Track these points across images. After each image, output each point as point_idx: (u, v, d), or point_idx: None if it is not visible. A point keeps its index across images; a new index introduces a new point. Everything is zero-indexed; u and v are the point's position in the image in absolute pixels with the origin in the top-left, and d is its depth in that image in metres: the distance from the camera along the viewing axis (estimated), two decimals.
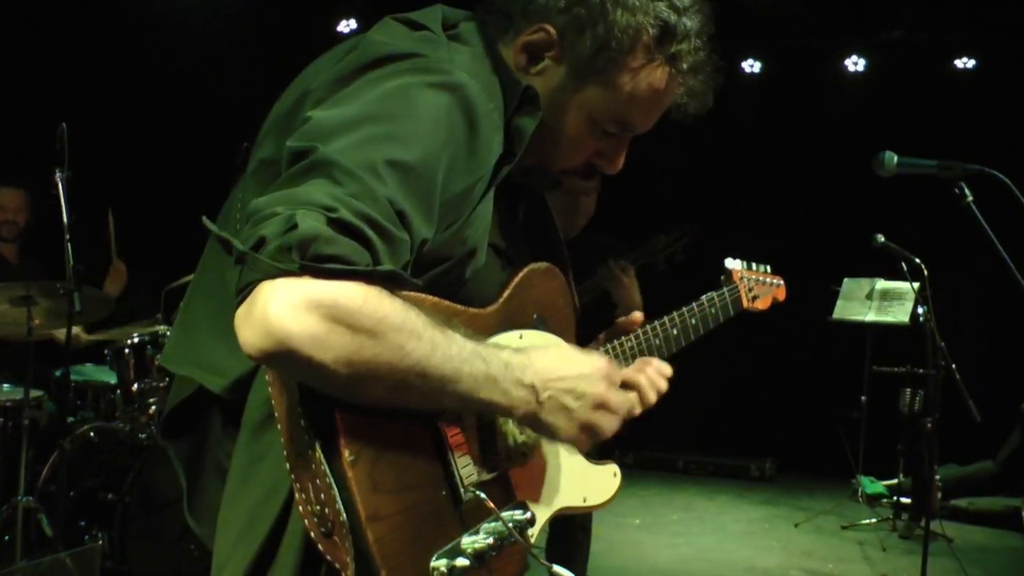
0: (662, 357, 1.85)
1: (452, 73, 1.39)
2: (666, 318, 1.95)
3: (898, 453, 7.19)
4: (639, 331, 1.88)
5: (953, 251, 6.80)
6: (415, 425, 1.37)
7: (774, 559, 6.27)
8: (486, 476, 1.48)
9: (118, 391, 5.14)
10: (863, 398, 7.37)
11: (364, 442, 1.28)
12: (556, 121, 1.56)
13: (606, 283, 3.96)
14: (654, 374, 1.70)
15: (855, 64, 8.86)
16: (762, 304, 2.29)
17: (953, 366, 5.33)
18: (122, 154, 7.54)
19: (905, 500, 7.15)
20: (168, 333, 5.11)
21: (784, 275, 2.41)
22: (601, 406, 1.48)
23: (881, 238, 5.99)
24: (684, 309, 2.01)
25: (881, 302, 7.29)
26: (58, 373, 5.14)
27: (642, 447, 8.87)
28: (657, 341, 1.90)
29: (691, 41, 1.55)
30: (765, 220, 8.68)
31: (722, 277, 2.20)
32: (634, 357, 1.83)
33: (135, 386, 5.03)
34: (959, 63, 8.61)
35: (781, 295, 2.37)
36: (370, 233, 1.22)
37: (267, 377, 1.34)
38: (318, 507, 1.28)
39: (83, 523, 4.56)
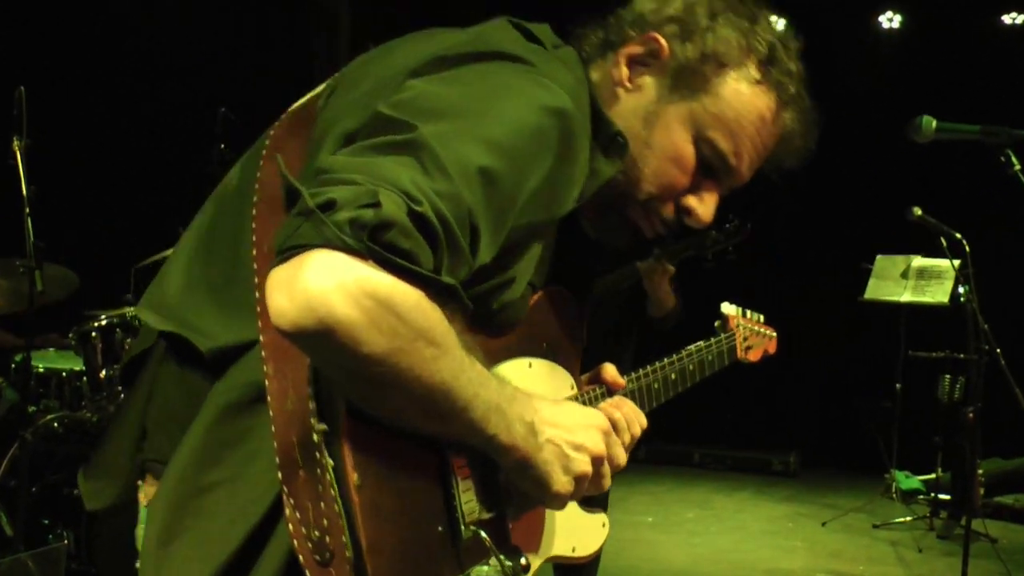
0: (657, 403, 1.92)
1: (561, 97, 1.41)
2: (665, 361, 1.99)
3: (936, 446, 7.19)
4: (639, 372, 1.92)
5: (997, 225, 6.79)
6: (423, 450, 1.37)
7: (798, 561, 6.28)
8: (485, 515, 1.48)
9: (84, 378, 5.13)
10: (898, 386, 7.37)
11: (372, 463, 1.28)
12: (651, 139, 1.61)
13: (643, 274, 4.16)
14: (631, 413, 1.72)
15: (890, 21, 8.82)
16: (754, 356, 2.37)
17: (997, 350, 5.32)
18: (87, 119, 7.53)
19: (944, 497, 7.16)
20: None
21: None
22: (599, 461, 1.52)
23: (918, 211, 5.98)
24: (683, 353, 2.06)
25: (917, 281, 7.29)
26: (18, 358, 5.14)
27: (655, 440, 8.89)
28: (656, 385, 1.94)
29: (795, 78, 1.65)
30: (790, 193, 8.66)
31: (717, 323, 2.27)
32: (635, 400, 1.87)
33: (103, 372, 5.01)
34: (1007, 19, 8.57)
35: (772, 348, 2.45)
36: (443, 239, 1.22)
37: (266, 368, 1.33)
38: (317, 533, 1.27)
39: (46, 521, 4.57)
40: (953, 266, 6.17)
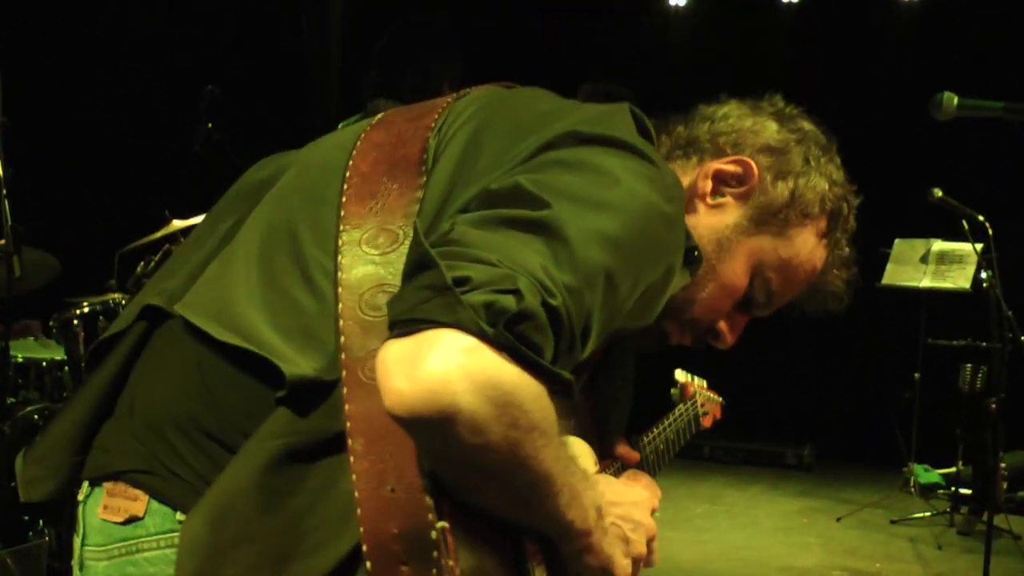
0: (652, 475, 1.95)
1: (678, 207, 1.45)
2: (654, 431, 2.08)
3: (957, 438, 7.21)
4: (638, 443, 1.99)
5: (1022, 206, 6.77)
6: (502, 536, 1.36)
7: (813, 558, 6.29)
8: None
9: (66, 368, 5.12)
10: (917, 375, 7.38)
11: (467, 556, 1.27)
12: (718, 265, 1.66)
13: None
14: (651, 487, 1.78)
15: None
16: (707, 422, 2.46)
17: (1021, 338, 5.32)
18: (67, 97, 7.51)
19: (965, 491, 7.15)
20: (124, 302, 5.13)
21: None
22: (652, 539, 1.57)
23: (938, 192, 5.95)
24: (665, 422, 2.16)
25: (938, 266, 7.27)
26: None
27: None
28: (652, 457, 2.02)
29: (848, 237, 1.77)
30: None
31: (673, 390, 2.35)
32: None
33: (85, 363, 4.99)
34: None
35: (719, 413, 2.55)
36: (565, 337, 1.22)
37: (352, 443, 1.28)
38: None
39: (26, 517, 4.57)
40: (975, 250, 6.15)
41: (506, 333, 1.13)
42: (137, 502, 1.44)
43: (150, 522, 1.42)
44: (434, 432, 1.14)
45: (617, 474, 1.83)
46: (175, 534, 1.39)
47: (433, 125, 1.54)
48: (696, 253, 1.58)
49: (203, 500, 1.35)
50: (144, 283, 5.26)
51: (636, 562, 1.53)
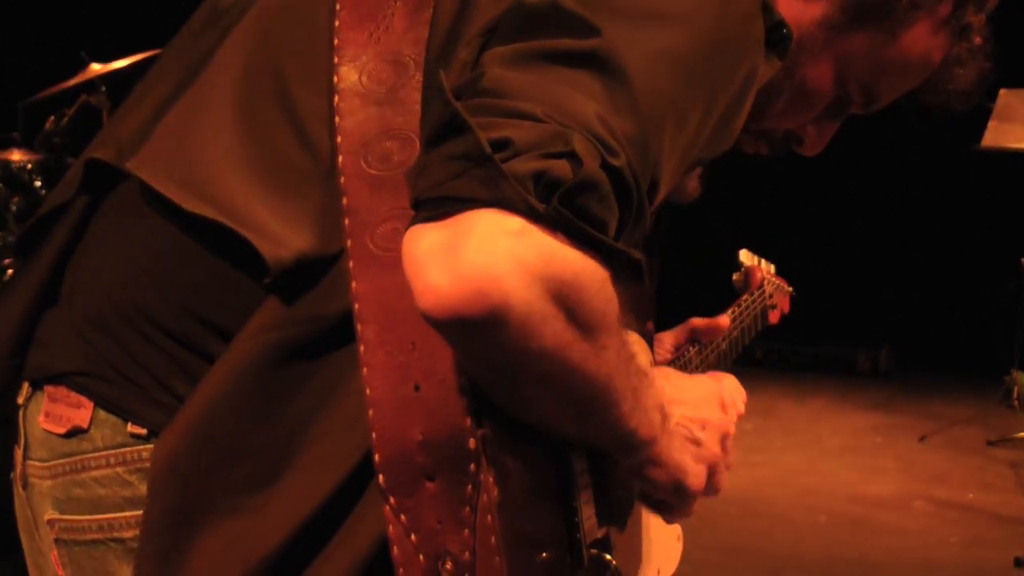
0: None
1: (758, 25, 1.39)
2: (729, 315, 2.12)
3: None
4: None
5: None
6: (546, 454, 1.37)
7: (890, 485, 6.34)
8: (598, 533, 1.49)
9: None
10: None
11: (507, 476, 1.27)
12: (799, 65, 1.61)
13: None
14: (732, 387, 1.77)
15: None
16: (774, 317, 2.51)
17: None
18: None
19: None
20: (29, 165, 5.09)
21: None
22: (727, 437, 1.57)
23: None
24: (736, 308, 2.19)
25: None
26: None
27: None
28: (712, 360, 2.07)
29: (983, 23, 1.69)
30: None
31: (736, 275, 2.35)
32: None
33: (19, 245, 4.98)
34: None
35: (787, 306, 2.60)
36: (633, 205, 1.19)
37: (360, 328, 1.29)
38: (450, 566, 1.26)
39: None
40: None
41: (561, 209, 1.10)
42: (80, 410, 1.43)
43: (97, 434, 1.42)
44: (479, 336, 1.12)
45: (690, 363, 1.87)
46: (126, 449, 1.41)
47: None
48: (785, 30, 1.50)
49: (180, 414, 1.36)
50: (55, 142, 5.23)
51: (711, 467, 1.53)
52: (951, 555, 5.41)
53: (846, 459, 6.82)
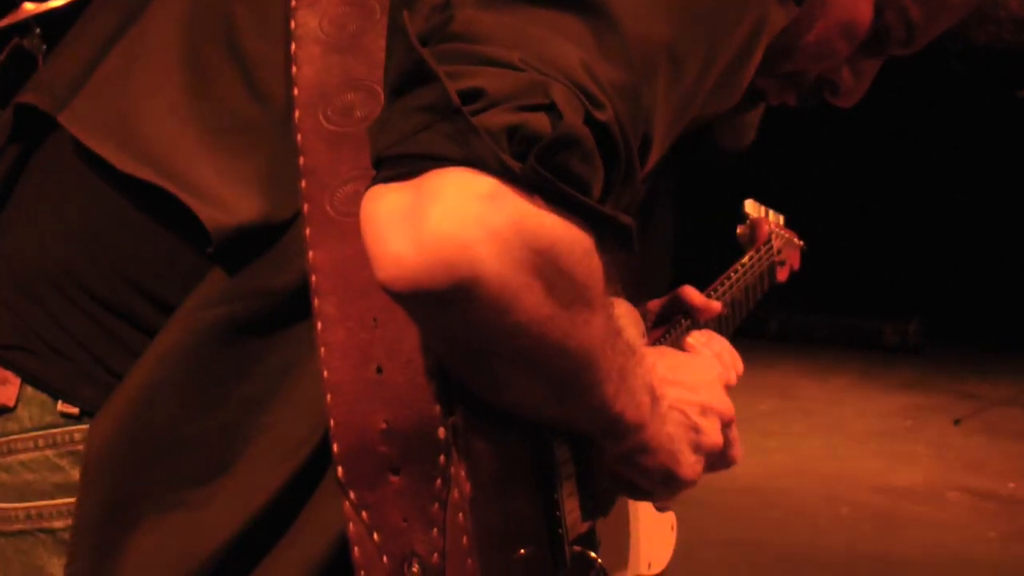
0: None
1: None
2: (716, 290, 2.11)
3: None
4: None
5: None
6: (524, 441, 1.36)
7: (920, 473, 6.37)
8: (582, 527, 1.49)
9: None
10: None
11: (479, 467, 1.26)
12: (826, 4, 1.58)
13: None
14: (729, 355, 1.78)
15: None
16: (783, 275, 2.45)
17: None
18: None
19: None
20: None
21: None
22: (730, 424, 1.57)
23: None
24: (732, 275, 2.18)
25: None
26: None
27: None
28: (712, 326, 2.03)
29: None
30: None
31: (740, 228, 2.33)
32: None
33: None
34: None
35: (798, 262, 2.54)
36: (620, 163, 1.17)
37: (318, 303, 1.29)
38: (417, 568, 1.26)
39: None
40: None
41: (538, 168, 1.08)
42: (6, 386, 1.41)
43: (24, 414, 1.41)
44: (445, 311, 1.12)
45: (683, 335, 1.84)
46: (56, 430, 1.39)
47: None
48: None
49: (116, 395, 1.35)
50: None
51: (710, 457, 1.54)
52: (989, 552, 5.42)
53: (871, 445, 6.86)
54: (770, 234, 2.34)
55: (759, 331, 8.95)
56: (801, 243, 2.53)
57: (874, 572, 5.22)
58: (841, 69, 1.69)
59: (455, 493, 1.24)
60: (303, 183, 1.30)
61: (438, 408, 1.23)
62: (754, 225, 2.33)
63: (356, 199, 1.17)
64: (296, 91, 1.34)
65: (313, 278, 1.28)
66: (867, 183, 8.70)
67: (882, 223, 8.89)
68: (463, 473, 1.23)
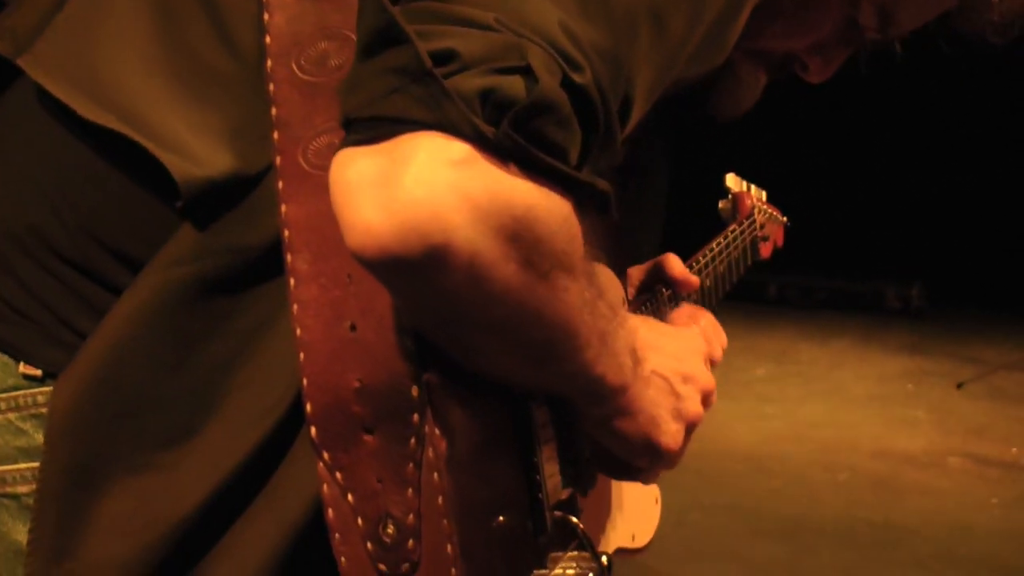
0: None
1: None
2: (696, 264, 2.10)
3: None
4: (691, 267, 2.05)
5: None
6: (501, 404, 1.37)
7: (921, 439, 6.37)
8: (563, 495, 1.50)
9: None
10: None
11: (455, 429, 1.27)
12: None
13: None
14: (712, 329, 1.78)
15: None
16: (766, 250, 2.50)
17: None
18: None
19: None
20: None
21: None
22: (710, 395, 1.58)
23: None
24: (713, 250, 2.18)
25: None
26: None
27: None
28: (708, 283, 2.07)
29: None
30: None
31: (722, 203, 2.37)
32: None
33: None
34: None
35: (781, 238, 2.60)
36: (600, 128, 1.19)
37: (290, 258, 1.28)
38: (392, 530, 1.27)
39: None
40: None
41: (513, 133, 1.09)
42: None
43: None
44: (417, 280, 1.12)
45: (664, 305, 1.87)
46: (19, 393, 1.40)
47: None
48: None
49: (81, 355, 1.36)
50: None
51: (689, 427, 1.53)
52: (991, 519, 5.43)
53: (872, 409, 6.87)
54: (752, 208, 2.39)
55: (757, 294, 8.96)
56: (785, 219, 2.59)
57: (873, 539, 5.21)
58: (812, 53, 1.73)
59: (429, 452, 1.24)
60: (276, 135, 1.30)
61: (412, 366, 1.24)
62: (736, 199, 2.38)
63: (330, 151, 1.18)
64: (268, 39, 1.33)
65: (286, 233, 1.28)
66: (869, 146, 8.67)
67: (885, 185, 8.90)
68: (437, 431, 1.24)
